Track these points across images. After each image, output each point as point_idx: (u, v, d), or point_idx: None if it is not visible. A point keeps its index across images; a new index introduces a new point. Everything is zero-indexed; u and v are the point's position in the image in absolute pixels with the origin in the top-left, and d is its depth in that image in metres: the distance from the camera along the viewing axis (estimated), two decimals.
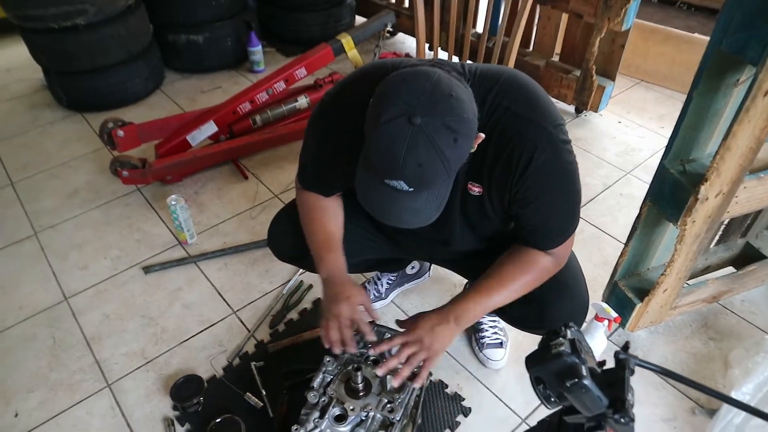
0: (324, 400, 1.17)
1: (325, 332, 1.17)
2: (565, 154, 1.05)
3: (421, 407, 1.30)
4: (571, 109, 2.77)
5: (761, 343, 1.50)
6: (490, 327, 1.63)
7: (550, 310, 1.23)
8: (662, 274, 1.47)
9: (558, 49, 2.77)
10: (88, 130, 2.71)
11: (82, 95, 2.81)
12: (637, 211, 1.48)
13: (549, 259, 1.16)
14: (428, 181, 0.89)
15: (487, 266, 1.20)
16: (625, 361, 0.68)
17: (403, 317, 1.26)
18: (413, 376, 1.14)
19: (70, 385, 1.59)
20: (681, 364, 1.62)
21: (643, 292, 1.55)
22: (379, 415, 1.15)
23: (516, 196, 1.07)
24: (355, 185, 0.96)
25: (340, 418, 1.15)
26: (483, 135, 0.98)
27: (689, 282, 1.62)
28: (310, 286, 1.86)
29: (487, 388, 1.56)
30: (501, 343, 1.61)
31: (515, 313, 1.27)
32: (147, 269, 1.93)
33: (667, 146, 1.34)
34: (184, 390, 1.48)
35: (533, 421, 1.43)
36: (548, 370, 0.71)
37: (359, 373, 1.16)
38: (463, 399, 1.53)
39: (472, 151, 0.97)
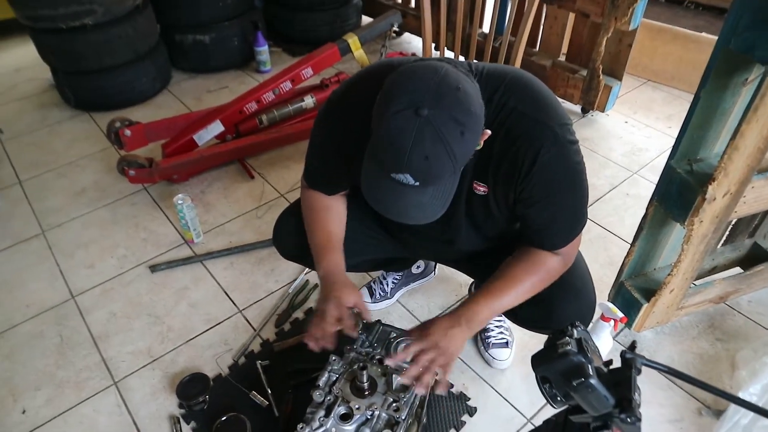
0: (329, 399, 1.17)
1: (308, 328, 1.18)
2: (571, 153, 1.04)
3: (427, 406, 1.30)
4: (578, 109, 2.76)
5: None
6: (496, 327, 1.62)
7: (557, 311, 1.22)
8: (669, 275, 1.46)
9: (565, 48, 2.77)
10: (95, 130, 2.73)
11: (89, 95, 2.83)
12: (644, 211, 1.47)
13: (556, 259, 1.16)
14: (435, 174, 0.88)
15: (492, 265, 1.20)
16: (631, 360, 0.68)
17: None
18: (435, 384, 1.11)
19: (76, 382, 1.60)
20: (687, 365, 1.61)
21: (650, 292, 1.55)
22: (384, 414, 1.15)
23: (521, 195, 1.07)
24: (360, 182, 0.96)
25: (346, 417, 1.15)
26: (489, 131, 0.98)
27: (696, 282, 1.61)
28: (316, 285, 1.86)
29: (493, 388, 1.56)
30: (506, 342, 1.61)
31: (523, 314, 1.27)
32: (153, 268, 1.94)
33: (674, 146, 1.33)
34: (190, 388, 1.49)
35: (538, 421, 1.44)
36: (555, 370, 0.71)
37: (365, 372, 1.16)
38: (469, 398, 1.52)
39: (478, 148, 0.97)
